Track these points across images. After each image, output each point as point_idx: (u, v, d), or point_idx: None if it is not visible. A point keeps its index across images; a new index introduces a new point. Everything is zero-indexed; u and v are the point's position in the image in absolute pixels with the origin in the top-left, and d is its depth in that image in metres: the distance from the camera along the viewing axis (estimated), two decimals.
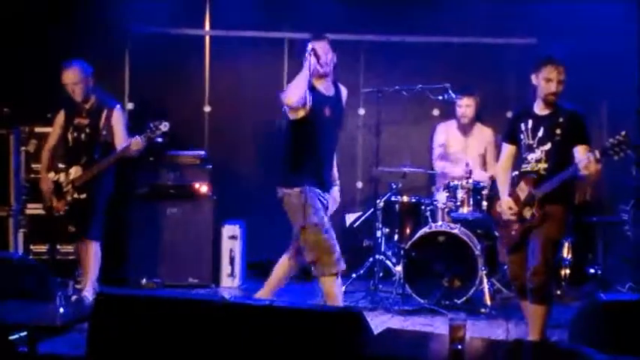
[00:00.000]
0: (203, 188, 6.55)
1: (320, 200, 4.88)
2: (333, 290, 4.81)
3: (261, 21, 7.11)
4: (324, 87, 4.88)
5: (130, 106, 7.16)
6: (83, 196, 5.47)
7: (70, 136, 5.57)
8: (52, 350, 4.32)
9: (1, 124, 6.14)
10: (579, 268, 6.31)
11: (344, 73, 7.23)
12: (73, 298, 5.13)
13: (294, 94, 4.69)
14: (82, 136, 5.53)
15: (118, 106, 5.63)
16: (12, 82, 6.46)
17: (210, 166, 6.65)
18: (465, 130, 6.54)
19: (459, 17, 6.92)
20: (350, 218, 6.97)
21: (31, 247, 6.11)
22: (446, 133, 6.65)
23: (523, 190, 4.61)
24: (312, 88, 4.75)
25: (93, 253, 5.48)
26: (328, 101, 4.85)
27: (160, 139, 5.56)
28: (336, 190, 5.15)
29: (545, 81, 4.50)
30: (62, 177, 5.52)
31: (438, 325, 5.32)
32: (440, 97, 6.38)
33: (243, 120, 7.24)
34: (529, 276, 4.51)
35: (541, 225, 4.52)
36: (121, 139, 5.52)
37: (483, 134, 6.53)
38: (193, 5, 7.20)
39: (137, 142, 5.36)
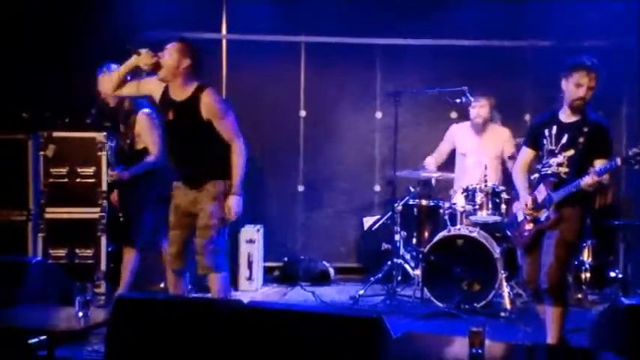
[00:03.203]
0: None
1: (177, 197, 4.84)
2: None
3: (277, 25, 7.11)
4: (174, 90, 4.73)
5: (147, 110, 7.17)
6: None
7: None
8: (71, 354, 4.34)
9: (20, 129, 6.16)
10: (600, 271, 6.25)
11: (360, 76, 7.31)
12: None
13: (106, 82, 5.03)
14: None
15: (142, 111, 5.61)
16: (30, 87, 6.49)
17: None
18: (478, 130, 6.50)
19: (475, 20, 6.89)
20: (368, 222, 6.96)
21: (50, 251, 6.12)
22: (456, 135, 6.65)
23: (541, 193, 4.57)
24: (165, 89, 4.76)
25: (129, 260, 5.70)
26: (172, 106, 4.70)
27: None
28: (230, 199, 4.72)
29: (576, 86, 4.42)
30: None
31: (458, 330, 5.28)
32: (457, 100, 6.36)
33: (261, 123, 7.23)
34: (542, 276, 4.48)
35: (555, 226, 4.48)
36: (151, 145, 5.60)
37: (499, 134, 6.48)
38: (210, 9, 7.20)
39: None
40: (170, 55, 4.67)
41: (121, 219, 5.76)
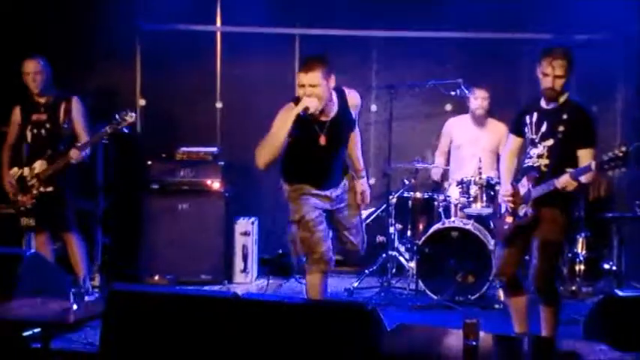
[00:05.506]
0: (215, 184, 6.55)
1: (312, 196, 4.62)
2: (311, 286, 4.72)
3: (272, 17, 7.08)
4: (322, 111, 4.50)
5: (142, 102, 7.18)
6: (50, 189, 5.55)
7: (29, 134, 5.66)
8: (66, 347, 4.34)
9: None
10: (594, 263, 6.26)
11: (355, 69, 7.29)
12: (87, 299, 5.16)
13: (262, 156, 4.46)
14: (43, 131, 5.63)
15: (76, 97, 5.69)
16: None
17: (222, 163, 6.65)
18: (480, 123, 6.49)
19: (471, 12, 6.86)
20: (362, 214, 6.94)
21: None
22: (453, 128, 6.63)
23: (524, 186, 4.51)
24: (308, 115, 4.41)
25: (76, 244, 5.59)
26: (323, 129, 4.50)
27: (126, 130, 5.57)
28: (359, 184, 4.88)
29: (542, 75, 4.32)
30: (26, 171, 5.62)
31: (452, 321, 5.29)
32: (452, 93, 6.36)
33: (255, 116, 7.20)
34: (531, 279, 4.47)
35: (537, 227, 4.43)
36: (82, 130, 5.64)
37: (497, 129, 6.47)
38: (204, 1, 7.19)
39: (74, 153, 5.47)
40: (320, 84, 4.36)
41: (58, 205, 5.63)
